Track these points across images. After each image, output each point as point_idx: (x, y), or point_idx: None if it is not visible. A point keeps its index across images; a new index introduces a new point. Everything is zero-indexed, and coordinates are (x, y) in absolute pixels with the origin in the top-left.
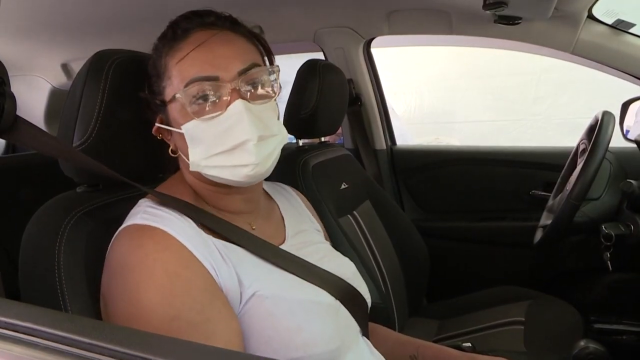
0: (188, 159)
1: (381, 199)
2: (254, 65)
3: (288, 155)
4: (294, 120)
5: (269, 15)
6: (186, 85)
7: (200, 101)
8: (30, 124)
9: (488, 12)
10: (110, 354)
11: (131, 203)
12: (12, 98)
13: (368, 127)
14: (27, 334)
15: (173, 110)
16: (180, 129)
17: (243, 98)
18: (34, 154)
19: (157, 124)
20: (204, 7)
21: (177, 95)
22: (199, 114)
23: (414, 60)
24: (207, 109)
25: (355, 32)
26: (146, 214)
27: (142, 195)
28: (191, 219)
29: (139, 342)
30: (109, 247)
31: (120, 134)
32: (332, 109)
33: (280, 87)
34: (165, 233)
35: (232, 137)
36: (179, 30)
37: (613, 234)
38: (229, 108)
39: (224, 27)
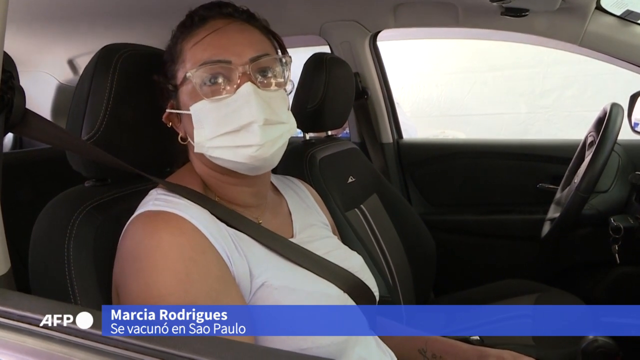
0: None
1: (388, 193)
2: (267, 54)
3: (295, 149)
4: (300, 114)
5: (275, 9)
6: (199, 67)
7: (211, 83)
8: (40, 117)
9: (495, 4)
10: (125, 346)
11: (140, 197)
12: (21, 92)
13: (374, 121)
14: (42, 326)
15: (183, 93)
16: (189, 110)
17: (253, 83)
18: (42, 150)
19: (167, 110)
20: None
21: (188, 75)
22: (208, 95)
23: (420, 53)
24: (217, 90)
25: (361, 26)
26: (159, 200)
27: (151, 188)
28: (203, 207)
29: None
30: (121, 236)
31: (127, 128)
32: (339, 103)
33: (293, 84)
34: (180, 218)
35: (238, 118)
36: (196, 18)
37: (622, 227)
38: (238, 90)
39: (241, 18)
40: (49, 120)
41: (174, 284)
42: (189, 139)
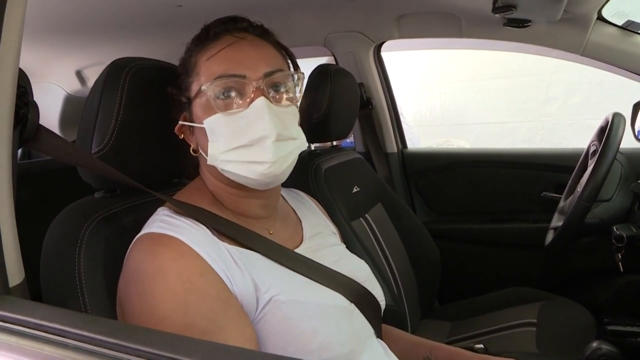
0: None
1: (393, 202)
2: (280, 69)
3: (300, 160)
4: (305, 124)
5: (280, 20)
6: (213, 80)
7: (225, 97)
8: (52, 132)
9: (497, 15)
10: (137, 353)
11: (148, 208)
12: (35, 107)
13: (379, 131)
14: (58, 334)
15: (197, 106)
16: (203, 123)
17: (265, 97)
18: (51, 160)
19: (180, 122)
20: (219, 15)
21: (203, 88)
22: (222, 108)
23: (423, 62)
24: (230, 104)
25: (365, 37)
26: (163, 222)
27: (159, 200)
28: (207, 226)
29: (162, 342)
30: (127, 252)
31: (137, 141)
32: (344, 113)
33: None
34: (181, 242)
35: (251, 132)
36: (211, 32)
37: (625, 235)
38: (251, 105)
39: (255, 33)
40: (59, 136)
41: (173, 307)
42: (201, 151)
